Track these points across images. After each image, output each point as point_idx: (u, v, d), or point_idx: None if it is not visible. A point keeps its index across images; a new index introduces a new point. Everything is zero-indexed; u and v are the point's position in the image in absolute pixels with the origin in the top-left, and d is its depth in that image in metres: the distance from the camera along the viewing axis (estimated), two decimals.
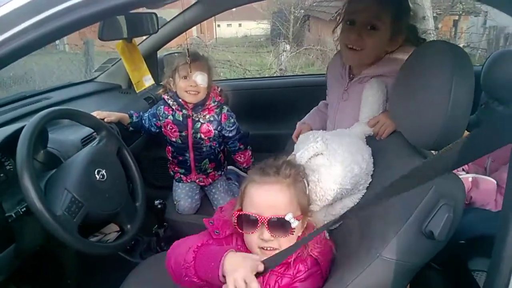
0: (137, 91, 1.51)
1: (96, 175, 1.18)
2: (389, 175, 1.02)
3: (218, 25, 22.09)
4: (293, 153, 1.23)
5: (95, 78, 2.25)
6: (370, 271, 0.87)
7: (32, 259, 1.44)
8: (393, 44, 1.25)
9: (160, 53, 2.32)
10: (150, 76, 1.57)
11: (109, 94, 2.11)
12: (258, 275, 0.86)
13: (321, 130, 1.26)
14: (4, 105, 1.70)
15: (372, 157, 1.14)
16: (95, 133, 1.46)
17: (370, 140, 1.21)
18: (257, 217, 0.93)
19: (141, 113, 1.81)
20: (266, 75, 5.69)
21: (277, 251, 0.94)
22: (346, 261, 0.97)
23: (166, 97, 1.74)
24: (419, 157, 0.98)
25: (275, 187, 0.95)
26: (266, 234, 0.93)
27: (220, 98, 1.78)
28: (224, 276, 0.86)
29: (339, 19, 1.33)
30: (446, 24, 10.49)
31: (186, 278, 0.95)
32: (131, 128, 1.78)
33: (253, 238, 0.96)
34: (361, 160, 1.07)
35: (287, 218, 0.92)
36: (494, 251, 0.75)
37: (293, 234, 0.94)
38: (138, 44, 2.10)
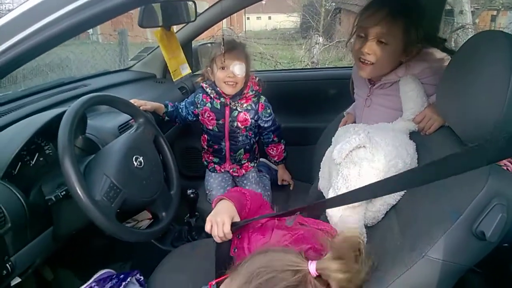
0: (174, 80, 1.52)
1: (134, 162, 1.18)
2: None
3: (248, 18, 22.06)
4: (331, 146, 1.20)
5: (131, 67, 2.27)
6: (415, 271, 0.84)
7: (67, 244, 1.47)
8: (407, 54, 1.22)
9: (194, 44, 2.32)
10: (187, 64, 1.57)
11: (144, 83, 2.13)
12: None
13: (362, 123, 1.22)
14: (43, 91, 1.74)
15: (416, 153, 1.09)
16: (131, 121, 1.47)
17: (413, 135, 1.17)
18: None
19: (176, 103, 1.82)
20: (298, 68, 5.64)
21: None
22: (386, 259, 0.94)
23: (204, 85, 1.74)
24: None
25: None
26: None
27: (258, 87, 1.77)
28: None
29: (353, 31, 1.30)
30: (484, 19, 10.09)
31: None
32: (166, 118, 1.80)
33: None
34: (405, 155, 1.03)
35: None
36: None
37: None
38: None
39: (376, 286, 0.89)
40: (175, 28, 2.14)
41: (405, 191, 1.07)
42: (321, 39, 6.61)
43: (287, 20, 13.58)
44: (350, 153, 1.05)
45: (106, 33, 7.69)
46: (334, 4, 12.26)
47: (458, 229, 0.81)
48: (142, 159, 1.20)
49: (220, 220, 1.02)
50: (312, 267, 0.79)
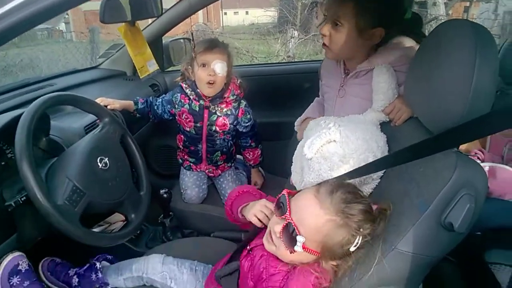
0: (140, 77, 1.46)
1: (99, 163, 1.14)
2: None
3: (225, 13, 21.93)
4: (301, 140, 1.18)
5: (100, 64, 2.20)
6: (385, 264, 0.83)
7: (35, 249, 1.42)
8: (367, 37, 1.21)
9: (166, 40, 2.26)
10: (154, 61, 1.52)
11: (114, 81, 2.07)
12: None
13: (333, 116, 1.20)
14: (8, 91, 1.66)
15: (387, 145, 1.09)
16: (98, 121, 1.42)
17: (384, 126, 1.16)
18: (288, 212, 0.91)
19: (150, 98, 1.75)
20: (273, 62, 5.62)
21: (273, 248, 0.95)
22: (360, 252, 0.93)
23: (184, 85, 1.68)
24: None
25: (318, 209, 0.88)
26: (278, 228, 0.91)
27: (239, 91, 1.71)
28: (242, 214, 1.13)
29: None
30: (457, 11, 10.27)
31: (226, 207, 1.21)
32: (138, 115, 1.73)
33: (273, 220, 0.98)
34: (375, 148, 1.02)
35: (298, 238, 0.88)
36: None
37: (290, 252, 0.90)
38: (143, 30, 2.06)
39: (348, 278, 0.89)
40: (142, 24, 2.10)
41: (377, 182, 1.07)
42: (296, 33, 6.60)
43: (264, 15, 13.51)
44: (321, 148, 1.03)
45: (79, 31, 7.52)
46: None
47: (426, 221, 0.81)
48: (108, 160, 1.16)
49: (259, 206, 1.06)
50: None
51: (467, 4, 10.55)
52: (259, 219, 1.05)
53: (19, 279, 1.21)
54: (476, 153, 1.42)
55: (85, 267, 1.39)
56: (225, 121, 1.69)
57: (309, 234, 0.88)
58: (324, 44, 1.27)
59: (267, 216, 1.04)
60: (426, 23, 7.16)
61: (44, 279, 1.39)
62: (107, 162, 1.16)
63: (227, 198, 1.21)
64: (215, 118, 1.68)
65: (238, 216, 1.14)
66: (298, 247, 0.88)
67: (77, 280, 1.38)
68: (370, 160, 0.99)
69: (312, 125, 1.21)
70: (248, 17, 17.91)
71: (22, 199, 1.04)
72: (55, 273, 1.42)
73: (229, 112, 1.70)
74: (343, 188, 0.91)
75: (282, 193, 0.96)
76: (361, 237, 0.87)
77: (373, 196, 1.05)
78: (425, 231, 0.81)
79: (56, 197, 1.02)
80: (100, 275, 1.35)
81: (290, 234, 0.89)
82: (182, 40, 2.30)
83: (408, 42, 1.26)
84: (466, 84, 0.79)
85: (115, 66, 2.14)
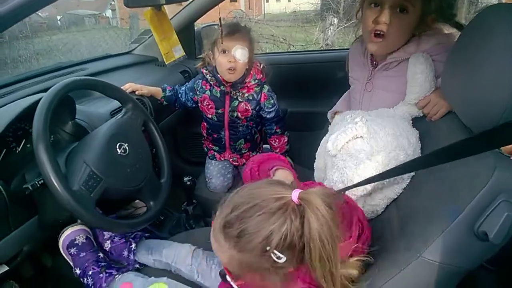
0: (166, 63, 1.43)
1: (118, 149, 1.12)
2: None
3: (267, 0, 21.73)
4: (326, 135, 1.11)
5: (132, 50, 2.21)
6: (408, 273, 0.76)
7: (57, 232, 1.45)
8: (421, 27, 1.09)
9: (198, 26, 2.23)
10: (180, 47, 1.48)
11: (145, 67, 2.07)
12: None
13: (360, 110, 1.12)
14: (40, 75, 1.69)
15: (420, 142, 0.99)
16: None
17: (417, 121, 1.06)
18: None
19: (176, 86, 1.74)
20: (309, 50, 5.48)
21: None
22: (381, 257, 0.86)
23: (204, 71, 1.65)
24: None
25: (219, 249, 0.77)
26: None
27: (261, 76, 1.65)
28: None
29: (359, 2, 1.18)
30: None
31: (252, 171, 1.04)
32: (165, 102, 1.72)
33: None
34: (407, 145, 0.93)
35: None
36: None
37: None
38: (174, 15, 2.04)
39: (368, 285, 0.82)
40: (175, 10, 2.07)
41: (406, 184, 0.98)
42: (336, 20, 6.37)
43: (306, 2, 13.24)
44: (346, 144, 0.96)
45: (124, 17, 7.69)
46: None
47: (457, 228, 0.72)
48: (127, 146, 1.14)
49: None
50: (295, 194, 0.73)
51: None
52: None
53: (76, 250, 1.31)
54: None
55: (122, 240, 1.39)
56: (246, 107, 1.65)
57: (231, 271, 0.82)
58: (378, 35, 1.11)
59: None
60: (476, 12, 6.73)
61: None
62: (127, 148, 1.14)
63: (250, 162, 1.08)
64: (236, 104, 1.64)
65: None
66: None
67: (109, 246, 1.39)
68: (401, 158, 0.91)
69: (338, 119, 1.14)
70: (291, 5, 17.62)
71: (40, 182, 1.03)
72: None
73: (250, 98, 1.65)
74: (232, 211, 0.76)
75: None
76: (275, 252, 0.72)
77: (402, 198, 0.97)
78: (456, 240, 0.73)
79: (72, 182, 1.02)
80: (132, 256, 1.35)
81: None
82: (215, 27, 2.25)
83: (445, 29, 1.15)
84: (509, 77, 0.69)
85: (147, 52, 2.14)
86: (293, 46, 5.59)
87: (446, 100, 0.97)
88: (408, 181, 0.97)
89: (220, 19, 1.46)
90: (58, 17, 13.08)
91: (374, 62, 1.24)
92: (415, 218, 0.84)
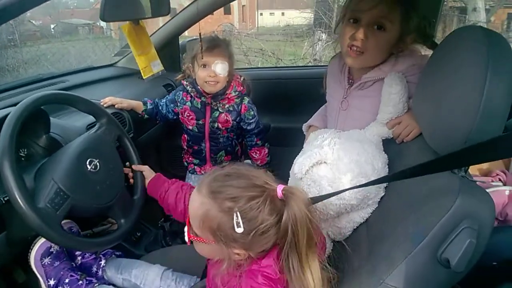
0: (144, 77, 1.43)
1: (88, 165, 1.10)
2: (407, 186, 0.87)
3: (261, 14, 21.98)
4: (297, 157, 1.10)
5: (116, 62, 2.20)
6: None
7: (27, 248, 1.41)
8: (400, 46, 1.10)
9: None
10: (159, 61, 1.48)
11: (128, 80, 2.05)
12: None
13: (332, 130, 1.11)
14: (20, 86, 1.67)
15: (387, 167, 0.99)
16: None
17: (388, 143, 1.06)
18: None
19: (156, 100, 1.74)
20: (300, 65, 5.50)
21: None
22: (347, 279, 0.85)
23: (185, 83, 1.66)
24: None
25: (196, 194, 0.86)
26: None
27: (242, 88, 1.68)
28: None
29: (339, 17, 1.18)
30: (500, 17, 9.78)
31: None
32: (146, 116, 1.71)
33: None
34: (371, 172, 0.93)
35: (185, 229, 0.89)
36: None
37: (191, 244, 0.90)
38: (159, 29, 2.04)
39: None
40: (160, 23, 2.08)
41: (374, 208, 0.98)
42: (324, 36, 6.44)
43: (299, 16, 13.41)
44: (311, 169, 0.95)
45: (114, 28, 7.71)
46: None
47: (420, 254, 0.71)
48: (98, 162, 1.12)
49: None
50: (280, 187, 0.81)
51: (511, 10, 10.04)
52: None
53: (50, 260, 1.26)
54: (498, 174, 1.29)
55: (92, 256, 1.36)
56: (227, 118, 1.65)
57: (192, 221, 0.86)
58: (355, 50, 1.11)
59: None
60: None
61: None
62: (98, 164, 1.12)
63: (161, 198, 1.25)
64: (217, 115, 1.65)
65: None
66: (185, 236, 0.88)
67: (80, 261, 1.35)
68: None
69: (312, 138, 1.14)
70: (284, 18, 17.82)
71: (5, 198, 1.01)
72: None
73: (231, 108, 1.66)
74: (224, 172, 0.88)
75: None
76: (238, 215, 0.78)
77: (372, 221, 0.96)
78: (419, 266, 0.72)
79: (38, 199, 0.99)
80: (100, 273, 1.32)
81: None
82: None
83: (422, 50, 1.15)
84: (475, 102, 0.69)
85: (130, 65, 2.12)
86: (281, 60, 5.62)
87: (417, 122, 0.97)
88: (375, 206, 0.97)
89: (200, 34, 1.46)
90: (52, 26, 13.08)
91: (350, 81, 1.24)
92: (382, 241, 0.82)
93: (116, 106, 1.58)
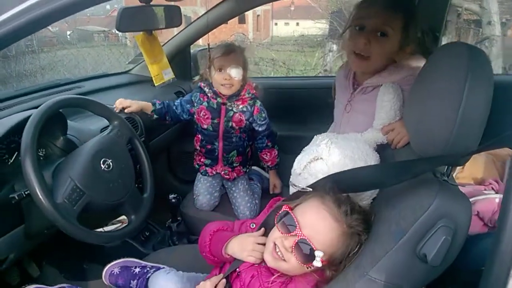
0: (155, 84, 1.52)
1: (102, 165, 1.19)
2: (395, 188, 0.94)
3: (276, 24, 22.16)
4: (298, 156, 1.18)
5: (130, 70, 2.30)
6: None
7: (49, 241, 1.50)
8: (401, 53, 1.19)
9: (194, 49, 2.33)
10: (170, 69, 1.57)
11: (140, 87, 2.15)
12: None
13: (332, 133, 1.19)
14: (39, 90, 1.78)
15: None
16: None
17: (382, 148, 1.13)
18: (297, 228, 0.90)
19: (166, 101, 1.80)
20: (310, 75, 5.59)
21: (283, 263, 0.93)
22: (328, 274, 0.91)
23: (202, 84, 1.77)
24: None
25: (333, 222, 0.91)
26: (288, 244, 0.91)
27: (254, 92, 1.79)
28: (228, 255, 1.05)
29: (347, 25, 1.28)
30: None
31: (204, 254, 1.14)
32: (155, 116, 1.77)
33: (277, 236, 0.95)
34: None
35: (316, 253, 0.88)
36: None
37: (307, 267, 0.91)
38: (173, 37, 2.14)
39: None
40: (173, 33, 2.17)
41: (369, 203, 1.04)
42: (335, 47, 6.52)
43: (314, 27, 13.48)
44: (308, 164, 1.03)
45: (129, 36, 7.86)
46: None
47: (401, 250, 0.78)
48: (111, 162, 1.21)
49: (251, 245, 1.02)
50: None
51: None
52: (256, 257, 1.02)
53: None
54: (491, 183, 1.34)
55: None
56: (241, 117, 1.75)
57: (324, 247, 0.89)
58: (359, 54, 1.21)
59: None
60: (477, 43, 6.83)
61: None
62: (111, 164, 1.21)
63: (200, 243, 1.17)
64: (231, 114, 1.75)
65: (225, 257, 1.08)
66: (317, 262, 0.89)
67: None
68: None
69: (313, 140, 1.21)
70: (299, 29, 17.91)
71: (26, 193, 1.10)
72: (118, 284, 1.42)
73: (244, 109, 1.76)
74: (343, 199, 0.94)
75: (284, 209, 0.95)
76: (359, 246, 0.89)
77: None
78: (399, 260, 0.78)
79: (56, 195, 1.08)
80: None
81: (303, 250, 0.90)
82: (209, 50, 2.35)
83: (420, 62, 1.22)
84: (454, 112, 0.76)
85: (143, 72, 2.22)
86: (292, 70, 5.71)
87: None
88: (370, 201, 1.04)
89: (208, 44, 1.56)
90: (68, 32, 13.40)
91: (355, 86, 1.32)
92: (367, 240, 0.89)
93: (126, 110, 1.66)
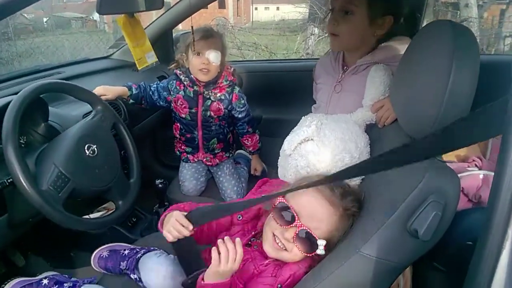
0: (138, 68, 1.49)
1: (86, 151, 1.17)
2: None
3: (256, 8, 21.92)
4: (287, 137, 1.18)
5: (111, 55, 2.25)
6: (348, 267, 0.82)
7: (34, 230, 1.47)
8: (377, 27, 1.23)
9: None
10: (153, 53, 1.54)
11: (122, 71, 2.10)
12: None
13: (321, 114, 1.19)
14: (18, 77, 1.72)
15: (369, 146, 1.07)
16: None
17: (372, 128, 1.14)
18: (296, 219, 0.91)
19: (142, 83, 1.75)
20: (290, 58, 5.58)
21: (285, 254, 0.94)
22: (326, 253, 0.92)
23: (178, 72, 1.72)
24: None
25: (330, 207, 0.92)
26: (289, 235, 0.91)
27: (232, 78, 1.75)
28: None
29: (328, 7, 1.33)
30: (492, 13, 9.88)
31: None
32: (131, 101, 1.71)
33: (276, 227, 0.95)
34: (354, 149, 1.01)
35: (319, 242, 0.90)
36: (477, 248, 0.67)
37: (308, 256, 0.92)
38: (153, 22, 2.09)
39: (312, 279, 0.88)
40: (153, 16, 2.13)
41: (358, 183, 1.05)
42: (316, 30, 6.52)
43: (294, 11, 13.40)
44: (299, 145, 1.04)
45: (108, 22, 7.68)
46: None
47: (392, 226, 0.79)
48: (96, 147, 1.19)
49: (171, 222, 0.98)
50: None
51: (504, 7, 10.13)
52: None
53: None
54: (474, 160, 1.37)
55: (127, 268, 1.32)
56: (219, 106, 1.72)
57: (325, 234, 0.91)
58: (332, 34, 1.27)
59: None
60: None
61: None
62: (95, 149, 1.19)
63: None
64: (209, 103, 1.72)
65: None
66: (320, 251, 0.90)
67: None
68: (347, 160, 0.99)
69: (302, 120, 1.22)
70: (279, 13, 17.78)
71: (9, 180, 1.07)
72: (108, 267, 1.39)
73: (222, 97, 1.73)
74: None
75: (280, 201, 0.94)
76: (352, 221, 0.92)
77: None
78: (391, 236, 0.79)
79: (41, 182, 1.06)
80: None
81: (305, 240, 0.91)
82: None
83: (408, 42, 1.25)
84: (442, 89, 0.76)
85: (125, 57, 2.17)
86: (274, 54, 5.69)
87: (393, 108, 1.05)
88: (359, 181, 1.05)
89: (192, 27, 1.52)
90: (44, 19, 12.98)
91: (345, 67, 1.35)
92: (358, 217, 0.90)
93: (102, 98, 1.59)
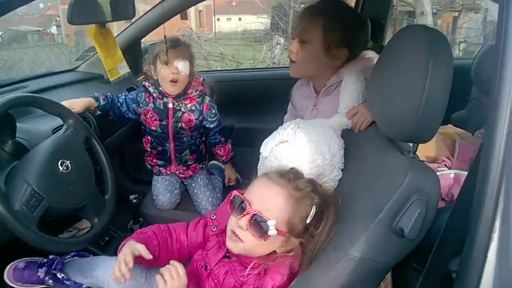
0: (110, 79, 1.45)
1: (60, 167, 1.12)
2: (362, 168, 0.98)
3: (218, 19, 22.04)
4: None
5: (77, 67, 2.18)
6: (338, 270, 0.83)
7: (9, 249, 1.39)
8: (332, 56, 1.28)
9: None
10: (125, 63, 1.51)
11: (90, 84, 2.04)
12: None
13: (299, 119, 1.21)
14: None
15: (343, 150, 1.10)
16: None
17: (348, 133, 1.16)
18: (247, 206, 0.92)
19: (110, 94, 1.69)
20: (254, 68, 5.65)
21: (241, 244, 0.94)
22: (316, 256, 0.93)
23: (147, 84, 1.68)
24: (395, 149, 0.93)
25: (278, 188, 0.93)
26: (243, 223, 0.92)
27: (202, 87, 1.73)
28: None
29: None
30: (446, 21, 10.43)
31: None
32: (98, 112, 1.65)
33: (232, 220, 0.97)
34: (326, 151, 1.05)
35: (269, 222, 0.90)
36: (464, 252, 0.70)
37: (264, 240, 0.91)
38: (121, 32, 2.05)
39: (302, 284, 0.88)
40: (121, 27, 2.09)
41: (332, 186, 1.07)
42: (282, 40, 6.65)
43: (256, 22, 13.60)
44: (275, 147, 1.07)
45: (69, 34, 7.50)
46: (302, 6, 12.35)
47: (378, 226, 0.80)
48: (69, 163, 1.15)
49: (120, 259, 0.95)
50: None
51: (456, 14, 10.72)
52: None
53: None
54: (443, 161, 1.43)
55: (53, 268, 1.32)
56: (190, 117, 1.69)
57: (275, 214, 0.91)
58: (291, 61, 1.33)
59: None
60: None
61: None
62: (69, 165, 1.15)
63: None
64: (180, 115, 1.69)
65: None
66: (272, 231, 0.90)
67: (50, 281, 1.33)
68: (319, 161, 1.02)
69: (281, 127, 1.23)
70: (241, 24, 17.98)
71: None
72: (24, 278, 1.38)
73: (193, 108, 1.70)
74: (285, 170, 0.99)
75: (233, 193, 0.97)
76: (315, 208, 0.92)
77: None
78: (377, 237, 0.81)
79: (13, 201, 1.01)
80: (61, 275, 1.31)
81: (257, 224, 0.91)
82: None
83: (373, 55, 1.32)
84: (419, 93, 0.79)
85: (92, 69, 2.12)
86: (241, 64, 5.72)
87: (370, 111, 1.08)
88: (332, 183, 1.07)
89: (165, 36, 1.51)
90: None
91: (317, 91, 1.39)
92: (344, 219, 0.91)
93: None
